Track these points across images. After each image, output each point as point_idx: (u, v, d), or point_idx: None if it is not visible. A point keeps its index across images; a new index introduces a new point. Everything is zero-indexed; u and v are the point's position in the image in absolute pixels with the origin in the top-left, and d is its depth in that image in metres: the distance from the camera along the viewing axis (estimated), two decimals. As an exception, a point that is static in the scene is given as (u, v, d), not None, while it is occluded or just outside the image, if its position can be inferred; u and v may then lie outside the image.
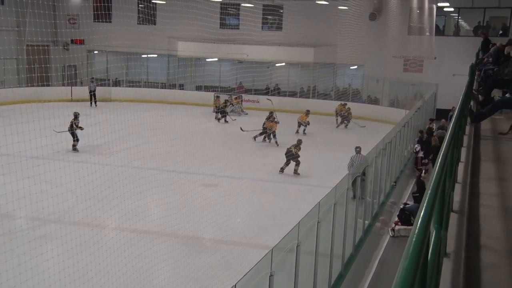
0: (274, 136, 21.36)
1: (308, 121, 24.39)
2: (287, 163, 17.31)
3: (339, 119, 26.72)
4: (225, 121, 26.48)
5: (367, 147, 12.38)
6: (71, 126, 18.78)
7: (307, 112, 24.76)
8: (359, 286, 9.94)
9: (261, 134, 21.72)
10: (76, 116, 19.14)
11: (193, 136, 20.47)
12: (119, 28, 26.19)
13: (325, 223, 7.50)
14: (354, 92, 31.56)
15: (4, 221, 11.01)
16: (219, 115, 26.68)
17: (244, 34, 29.16)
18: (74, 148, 18.69)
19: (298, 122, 24.58)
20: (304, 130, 24.52)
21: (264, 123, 22.14)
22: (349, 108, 26.79)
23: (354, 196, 9.79)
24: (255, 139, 21.37)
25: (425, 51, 29.59)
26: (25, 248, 9.33)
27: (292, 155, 17.30)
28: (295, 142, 17.70)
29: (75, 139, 18.75)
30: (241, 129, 22.45)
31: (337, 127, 26.38)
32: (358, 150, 15.08)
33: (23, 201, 10.11)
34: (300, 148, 17.53)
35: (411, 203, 13.62)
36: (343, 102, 27.78)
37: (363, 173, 10.88)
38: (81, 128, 18.91)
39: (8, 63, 27.61)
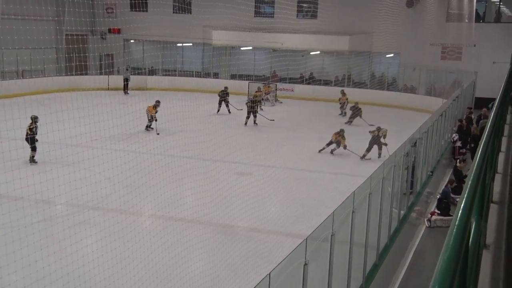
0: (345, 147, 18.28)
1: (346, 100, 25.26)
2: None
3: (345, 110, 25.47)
4: (255, 122, 22.58)
5: (404, 136, 12.21)
6: (28, 132, 15.28)
7: (342, 92, 25.71)
8: (394, 276, 9.86)
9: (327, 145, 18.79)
10: (34, 120, 15.45)
11: (227, 125, 20.57)
12: (155, 17, 26.41)
13: (360, 213, 7.44)
14: (390, 81, 31.14)
15: (45, 207, 11.29)
16: (247, 116, 22.54)
17: (279, 23, 29.06)
18: (33, 159, 15.16)
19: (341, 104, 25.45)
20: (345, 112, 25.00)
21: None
22: (357, 103, 24.09)
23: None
24: (332, 153, 18.31)
25: (464, 38, 28.96)
26: (65, 234, 9.57)
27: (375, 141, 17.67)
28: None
29: (32, 146, 15.20)
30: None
31: (345, 118, 24.71)
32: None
33: (63, 188, 10.36)
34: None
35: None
36: (342, 90, 26.82)
37: None
38: (35, 139, 15.29)
39: (48, 53, 28.15)
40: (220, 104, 24.90)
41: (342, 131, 18.43)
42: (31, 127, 15.31)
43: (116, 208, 11.76)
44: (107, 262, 8.71)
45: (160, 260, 9.00)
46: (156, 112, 19.94)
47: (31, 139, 15.12)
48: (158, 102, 20.22)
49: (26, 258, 8.30)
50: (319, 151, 18.30)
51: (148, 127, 20.17)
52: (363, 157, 17.71)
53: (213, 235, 10.92)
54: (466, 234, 1.84)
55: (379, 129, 18.18)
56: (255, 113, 22.62)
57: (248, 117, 22.51)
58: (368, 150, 17.85)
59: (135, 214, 11.65)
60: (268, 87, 28.97)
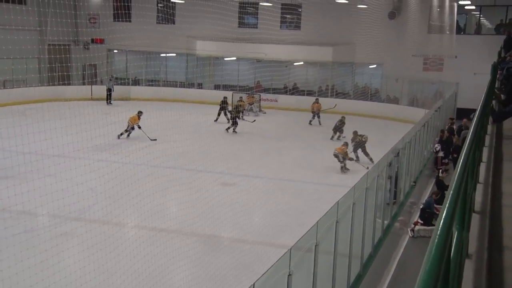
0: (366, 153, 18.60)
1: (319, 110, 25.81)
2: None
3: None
4: (234, 131, 23.13)
5: (386, 146, 12.29)
6: None
7: (316, 101, 26.27)
8: (378, 286, 9.88)
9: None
10: None
11: (211, 135, 20.55)
12: (139, 27, 26.42)
13: (344, 223, 7.46)
14: (373, 92, 31.38)
15: (27, 218, 11.15)
16: (230, 124, 23.40)
17: (263, 33, 29.18)
18: None
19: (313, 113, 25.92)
20: (319, 120, 25.54)
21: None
22: (343, 117, 23.19)
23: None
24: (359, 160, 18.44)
25: (446, 50, 29.30)
26: (47, 246, 9.45)
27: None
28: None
29: None
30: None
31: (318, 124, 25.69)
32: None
33: (44, 199, 10.25)
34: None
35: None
36: (316, 99, 27.29)
37: None
38: None
39: (30, 62, 27.97)
40: (219, 113, 25.30)
41: (345, 144, 18.07)
42: None
43: (99, 219, 11.65)
44: (89, 274, 8.61)
45: (144, 271, 8.92)
46: (138, 122, 20.19)
47: None
48: (140, 112, 20.48)
49: (6, 270, 8.18)
50: (342, 168, 17.38)
51: (120, 136, 20.05)
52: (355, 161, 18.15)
53: (197, 245, 10.86)
54: (448, 244, 1.86)
55: (356, 133, 18.90)
56: (235, 122, 23.15)
57: (233, 124, 23.11)
58: (357, 157, 18.10)
59: (118, 224, 11.55)
60: (252, 97, 29.02)
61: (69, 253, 9.50)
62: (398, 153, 11.48)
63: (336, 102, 27.81)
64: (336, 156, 17.41)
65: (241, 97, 27.40)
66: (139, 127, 20.10)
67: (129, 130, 20.36)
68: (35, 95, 26.56)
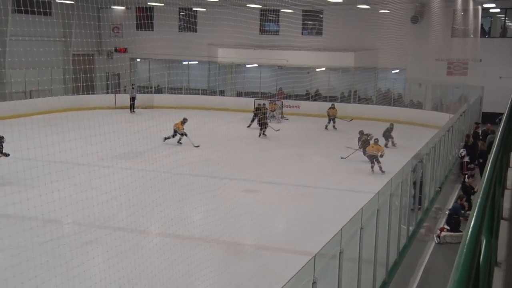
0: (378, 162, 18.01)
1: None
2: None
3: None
4: (264, 133, 24.01)
5: (410, 151, 12.17)
6: None
7: (332, 106, 26.46)
8: (404, 294, 9.76)
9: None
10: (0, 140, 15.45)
11: (234, 142, 20.59)
12: (161, 36, 26.61)
13: (368, 230, 7.39)
14: (396, 97, 31.14)
15: (53, 227, 11.28)
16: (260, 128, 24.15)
17: (284, 40, 29.23)
18: None
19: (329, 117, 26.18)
20: (334, 125, 25.83)
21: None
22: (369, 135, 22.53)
23: None
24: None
25: (470, 54, 28.95)
26: (72, 254, 9.56)
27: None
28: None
29: None
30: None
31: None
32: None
33: (70, 208, 10.37)
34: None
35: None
36: (333, 104, 27.44)
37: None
38: (5, 155, 14.97)
39: (55, 73, 28.38)
40: (253, 120, 25.55)
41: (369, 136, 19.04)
42: None
43: (124, 227, 11.74)
44: (114, 282, 8.68)
45: (168, 279, 8.96)
46: (183, 128, 21.16)
47: None
48: (185, 119, 21.33)
49: (33, 279, 8.28)
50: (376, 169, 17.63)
51: (166, 138, 20.99)
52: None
53: (221, 253, 10.87)
54: (477, 252, 1.82)
55: (362, 132, 19.74)
56: (263, 125, 24.05)
57: (261, 128, 23.92)
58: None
59: (143, 233, 11.62)
60: (274, 104, 29.03)
61: (94, 261, 9.59)
62: (423, 158, 11.36)
63: (352, 117, 27.77)
64: (373, 156, 17.65)
65: (264, 104, 27.42)
66: (185, 134, 20.82)
67: (175, 135, 21.10)
68: (60, 105, 26.97)
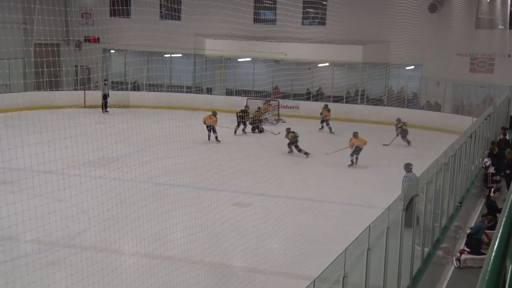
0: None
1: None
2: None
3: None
4: (260, 131, 26.52)
5: (427, 161, 12.21)
6: None
7: (326, 107, 27.51)
8: (418, 325, 9.77)
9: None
10: None
11: (223, 148, 20.61)
12: (139, 25, 26.65)
13: (376, 251, 7.41)
14: (410, 97, 31.27)
15: (8, 246, 11.23)
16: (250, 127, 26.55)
17: (282, 31, 29.26)
18: None
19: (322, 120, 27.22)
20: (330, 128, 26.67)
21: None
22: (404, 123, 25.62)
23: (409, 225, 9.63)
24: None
25: (497, 48, 29.16)
26: (31, 278, 9.46)
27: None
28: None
29: None
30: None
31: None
32: (410, 168, 14.70)
33: (29, 224, 10.31)
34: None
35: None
36: (326, 105, 28.16)
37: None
38: None
39: (14, 65, 28.27)
40: (238, 124, 26.10)
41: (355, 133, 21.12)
42: None
43: (93, 245, 11.70)
44: (82, 310, 8.64)
45: (144, 307, 8.93)
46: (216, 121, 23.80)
47: None
48: (215, 112, 24.11)
49: (-13, 306, 8.23)
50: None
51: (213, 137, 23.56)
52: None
53: (207, 276, 10.85)
54: (501, 278, 1.84)
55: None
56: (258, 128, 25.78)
57: (238, 127, 25.76)
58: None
59: (116, 252, 11.58)
60: (269, 104, 29.11)
61: (57, 286, 9.54)
62: (441, 168, 11.41)
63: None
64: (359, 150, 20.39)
65: (259, 108, 27.60)
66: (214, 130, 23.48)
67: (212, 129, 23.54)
68: (19, 103, 26.89)
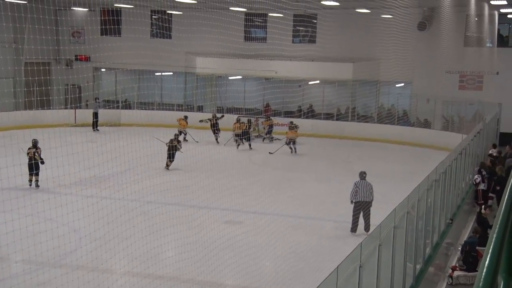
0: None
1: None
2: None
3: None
4: (249, 146, 26.70)
5: (418, 177, 12.24)
6: (32, 157, 17.38)
7: (292, 125, 26.72)
8: None
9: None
10: (35, 145, 17.73)
11: (214, 166, 20.57)
12: (130, 43, 26.65)
13: (368, 268, 7.41)
14: (400, 114, 31.41)
15: (-1, 265, 11.15)
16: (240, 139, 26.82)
17: (273, 48, 29.36)
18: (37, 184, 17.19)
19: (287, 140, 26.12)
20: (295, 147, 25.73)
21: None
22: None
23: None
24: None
25: (486, 65, 29.37)
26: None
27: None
28: None
29: (35, 172, 17.09)
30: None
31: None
32: (364, 176, 15.11)
33: (20, 244, 10.24)
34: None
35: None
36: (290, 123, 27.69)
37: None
38: (41, 162, 17.15)
39: (5, 85, 28.18)
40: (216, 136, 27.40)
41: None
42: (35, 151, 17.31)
43: (84, 265, 11.62)
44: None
45: (136, 327, 8.87)
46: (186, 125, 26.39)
47: (36, 164, 16.98)
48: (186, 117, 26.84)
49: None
50: None
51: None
52: None
53: (198, 296, 10.79)
54: (492, 295, 1.85)
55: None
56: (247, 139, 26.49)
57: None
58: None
59: (107, 271, 11.52)
60: (269, 119, 29.26)
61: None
62: (431, 185, 11.45)
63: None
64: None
65: (249, 120, 27.77)
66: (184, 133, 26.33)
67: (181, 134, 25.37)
68: (9, 122, 26.76)
